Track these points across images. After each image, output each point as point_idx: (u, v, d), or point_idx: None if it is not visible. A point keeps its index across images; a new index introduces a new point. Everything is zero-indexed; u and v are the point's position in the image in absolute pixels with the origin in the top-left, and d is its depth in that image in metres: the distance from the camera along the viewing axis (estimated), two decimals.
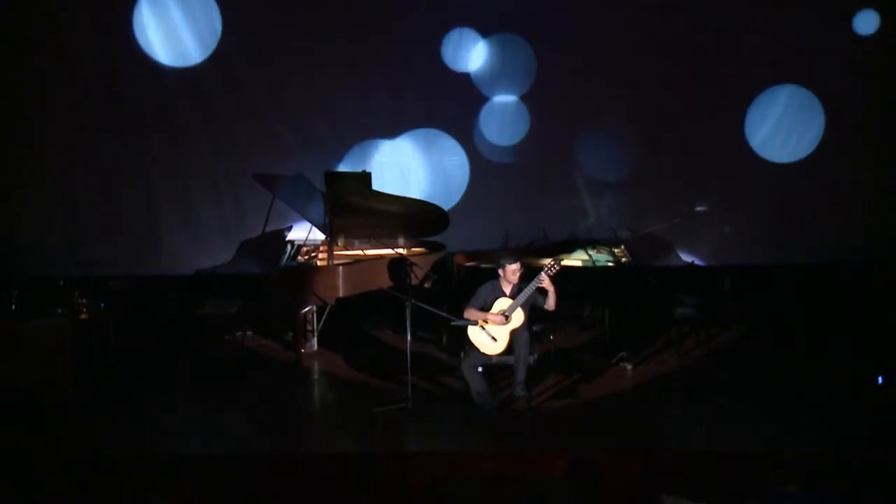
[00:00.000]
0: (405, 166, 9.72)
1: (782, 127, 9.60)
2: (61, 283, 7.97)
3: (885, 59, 9.49)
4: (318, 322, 8.53)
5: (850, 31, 9.50)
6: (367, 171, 8.49)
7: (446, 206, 8.92)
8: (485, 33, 9.59)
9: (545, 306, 6.98)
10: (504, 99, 9.67)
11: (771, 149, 9.66)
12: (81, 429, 6.81)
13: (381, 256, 8.36)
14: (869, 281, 9.24)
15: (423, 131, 9.69)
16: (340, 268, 8.02)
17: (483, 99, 9.67)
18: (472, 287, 7.24)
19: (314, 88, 9.56)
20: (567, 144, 9.64)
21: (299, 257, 8.57)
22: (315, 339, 8.52)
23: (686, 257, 8.86)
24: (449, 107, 9.65)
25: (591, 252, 8.56)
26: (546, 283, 6.82)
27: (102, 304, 7.97)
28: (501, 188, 9.68)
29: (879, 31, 9.49)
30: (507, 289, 7.03)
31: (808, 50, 9.51)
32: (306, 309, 8.33)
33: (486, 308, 6.99)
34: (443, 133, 9.70)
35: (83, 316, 7.76)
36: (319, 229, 8.59)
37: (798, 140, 9.62)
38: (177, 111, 9.56)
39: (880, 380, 7.23)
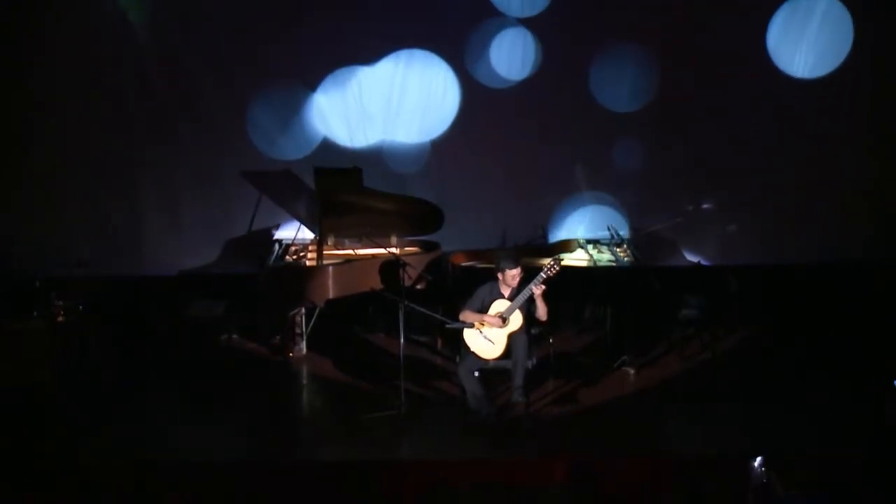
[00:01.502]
0: (387, 95, 9.58)
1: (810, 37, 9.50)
2: (37, 284, 7.92)
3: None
4: (308, 324, 8.49)
5: None
6: (358, 166, 8.47)
7: (432, 136, 8.75)
8: None
9: (536, 315, 6.96)
10: (509, 23, 9.43)
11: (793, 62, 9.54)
12: (61, 436, 6.77)
13: (373, 256, 8.35)
14: (870, 281, 9.27)
15: (408, 53, 9.53)
16: (330, 268, 8.00)
17: (487, 22, 9.46)
18: (468, 288, 7.23)
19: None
20: (581, 72, 9.49)
21: (287, 257, 8.55)
22: (304, 343, 8.49)
23: (691, 257, 8.85)
24: (441, 28, 9.46)
25: (592, 252, 8.54)
26: (537, 292, 6.80)
27: (81, 307, 7.92)
28: (496, 121, 9.53)
29: None
30: (506, 291, 7.01)
31: None
32: (295, 311, 8.30)
33: (484, 310, 6.97)
34: (432, 55, 9.52)
35: (60, 319, 7.70)
36: (308, 228, 8.56)
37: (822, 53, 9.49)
38: (160, 105, 9.51)
39: None
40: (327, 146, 9.58)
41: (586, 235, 9.05)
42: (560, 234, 9.45)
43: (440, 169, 9.56)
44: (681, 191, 9.62)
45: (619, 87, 9.49)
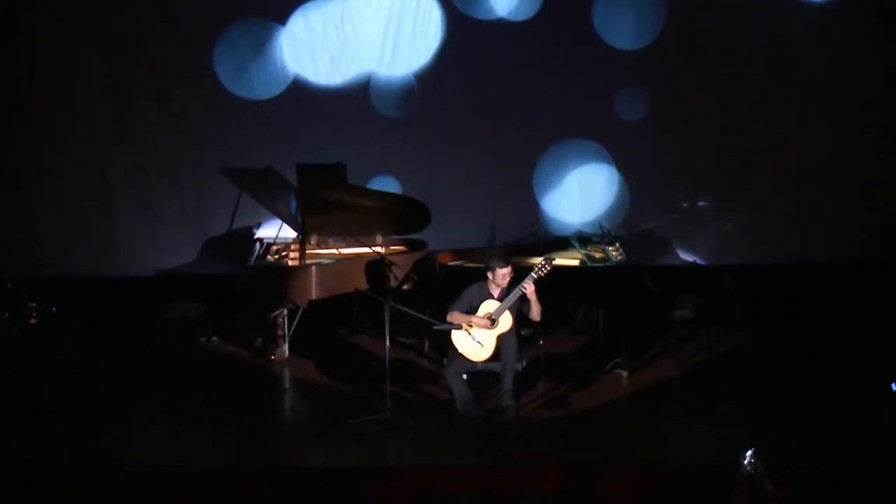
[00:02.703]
0: (367, 27, 9.39)
1: None
2: (9, 285, 7.86)
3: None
4: (290, 327, 8.44)
5: None
6: (343, 162, 8.43)
7: (414, 70, 8.76)
8: None
9: (529, 316, 6.95)
10: None
11: None
12: (33, 441, 6.71)
13: (358, 256, 8.31)
14: (869, 281, 9.28)
15: None
16: (313, 268, 7.98)
17: None
18: (456, 288, 7.20)
19: None
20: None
21: (269, 257, 8.50)
22: (286, 345, 8.43)
23: (686, 256, 8.84)
24: None
25: (584, 250, 8.52)
26: (529, 290, 6.78)
27: (54, 308, 7.85)
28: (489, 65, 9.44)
29: None
30: (495, 291, 6.99)
31: None
32: (276, 312, 8.26)
33: (472, 311, 6.94)
34: None
35: (33, 321, 7.63)
36: (290, 226, 8.52)
37: None
38: (135, 98, 9.44)
39: (894, 386, 7.22)
40: (299, 84, 9.44)
41: (578, 234, 9.03)
42: (551, 232, 9.41)
43: (424, 109, 9.43)
44: (676, 187, 9.60)
45: (624, 24, 9.39)
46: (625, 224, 9.01)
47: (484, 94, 9.49)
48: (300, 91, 9.42)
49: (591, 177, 9.54)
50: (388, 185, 9.33)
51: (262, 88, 9.30)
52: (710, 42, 9.45)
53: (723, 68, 9.50)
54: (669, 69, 9.46)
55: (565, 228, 9.44)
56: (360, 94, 9.43)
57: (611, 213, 9.42)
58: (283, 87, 9.42)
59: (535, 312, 6.91)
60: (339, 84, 9.38)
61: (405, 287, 8.23)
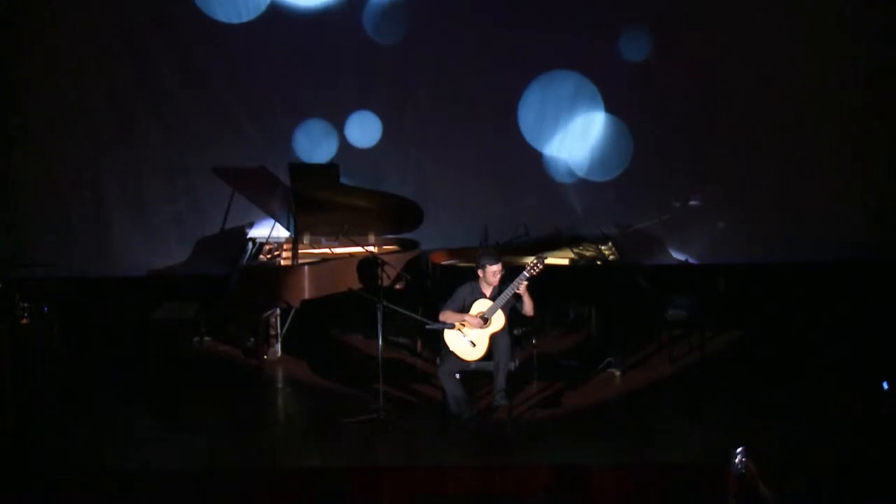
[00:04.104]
0: None
1: None
2: (0, 285, 7.84)
3: None
4: (283, 326, 8.47)
5: None
6: (335, 163, 8.43)
7: None
8: None
9: (523, 311, 6.96)
10: None
11: None
12: (23, 443, 6.70)
13: (350, 255, 8.31)
14: (869, 281, 9.29)
15: None
16: (306, 268, 7.97)
17: None
18: (449, 288, 7.21)
19: None
20: None
21: (261, 256, 8.51)
22: (279, 345, 8.46)
23: (678, 255, 8.84)
24: None
25: (576, 250, 8.53)
26: (521, 287, 6.79)
27: (46, 309, 7.84)
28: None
29: None
30: (487, 290, 7.00)
31: None
32: (269, 312, 8.25)
33: (465, 310, 6.95)
34: None
35: (24, 321, 7.62)
36: (283, 226, 8.52)
37: None
38: (126, 95, 9.42)
39: (885, 385, 7.24)
40: (278, 7, 9.37)
41: (570, 233, 9.03)
42: (543, 231, 9.42)
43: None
44: (668, 187, 9.61)
45: None
46: (617, 224, 9.01)
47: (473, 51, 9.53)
48: (278, 16, 9.33)
49: (587, 117, 9.58)
50: (368, 120, 9.34)
51: (240, 9, 9.23)
52: (707, 38, 9.47)
53: (719, 66, 9.51)
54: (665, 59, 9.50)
55: (570, 176, 9.54)
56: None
57: (611, 158, 9.49)
58: (260, 10, 9.33)
59: (528, 307, 6.91)
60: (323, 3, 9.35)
61: (398, 286, 8.21)
